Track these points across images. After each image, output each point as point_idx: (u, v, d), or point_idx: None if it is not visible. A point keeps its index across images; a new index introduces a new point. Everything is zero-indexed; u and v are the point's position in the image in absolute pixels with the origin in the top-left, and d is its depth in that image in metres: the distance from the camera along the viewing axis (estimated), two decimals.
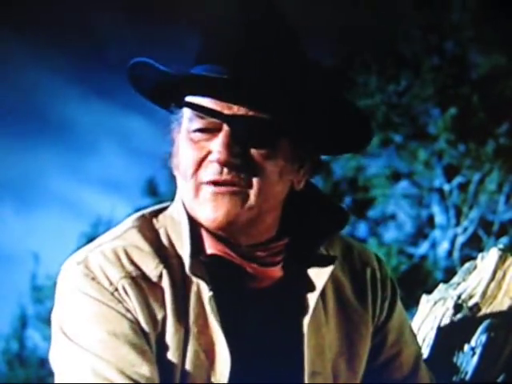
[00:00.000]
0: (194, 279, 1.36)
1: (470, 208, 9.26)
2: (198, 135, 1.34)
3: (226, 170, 1.31)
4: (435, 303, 1.91)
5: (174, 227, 1.40)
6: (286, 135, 1.35)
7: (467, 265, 2.01)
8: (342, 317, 1.46)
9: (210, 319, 1.34)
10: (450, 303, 1.89)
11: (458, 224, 9.36)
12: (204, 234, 1.38)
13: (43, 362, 10.45)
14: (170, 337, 1.33)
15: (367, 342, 1.49)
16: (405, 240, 9.90)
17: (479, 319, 1.85)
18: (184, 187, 1.36)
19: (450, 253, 9.35)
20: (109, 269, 1.34)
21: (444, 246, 9.39)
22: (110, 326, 1.31)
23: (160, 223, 1.42)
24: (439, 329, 1.86)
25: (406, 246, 9.74)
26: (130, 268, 1.35)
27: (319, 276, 1.42)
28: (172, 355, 1.33)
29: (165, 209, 1.45)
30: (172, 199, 1.45)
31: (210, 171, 1.32)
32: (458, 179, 9.33)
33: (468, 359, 1.81)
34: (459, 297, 1.91)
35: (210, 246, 1.38)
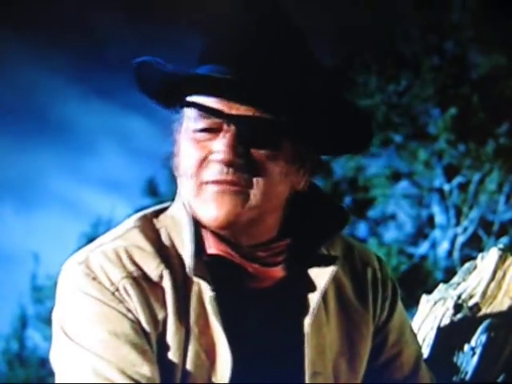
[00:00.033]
0: (195, 279, 1.35)
1: (470, 208, 9.26)
2: (201, 135, 1.34)
3: (229, 169, 1.31)
4: (435, 303, 1.91)
5: (174, 227, 1.40)
6: (289, 135, 1.35)
7: (467, 265, 2.01)
8: (342, 317, 1.46)
9: (210, 319, 1.34)
10: (450, 303, 1.89)
11: (458, 224, 9.36)
12: (205, 234, 1.38)
13: (43, 362, 10.45)
14: (171, 337, 1.33)
15: (368, 342, 1.49)
16: (405, 240, 9.90)
17: (479, 319, 1.85)
18: (185, 187, 1.36)
19: (450, 253, 9.35)
20: (110, 269, 1.34)
21: (444, 246, 9.39)
22: (111, 325, 1.31)
23: (161, 223, 1.42)
24: (439, 329, 1.86)
25: (406, 246, 9.74)
26: (132, 268, 1.34)
27: (321, 276, 1.41)
28: (173, 355, 1.33)
29: (166, 209, 1.45)
30: (172, 199, 1.45)
31: (213, 171, 1.32)
32: (457, 179, 9.33)
33: (468, 359, 1.81)
34: (459, 297, 1.91)
35: (212, 246, 1.38)
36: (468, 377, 1.79)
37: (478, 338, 1.81)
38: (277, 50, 1.33)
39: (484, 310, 1.88)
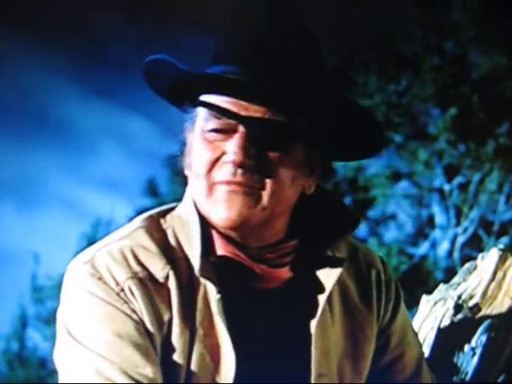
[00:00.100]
0: (201, 280, 1.35)
1: (470, 208, 9.25)
2: (213, 135, 1.34)
3: (240, 171, 1.31)
4: (435, 303, 1.91)
5: (182, 228, 1.40)
6: (301, 139, 1.35)
7: (467, 265, 2.01)
8: (347, 318, 1.46)
9: (216, 321, 1.34)
10: (451, 303, 1.89)
11: (458, 224, 9.36)
12: (214, 235, 1.38)
13: (43, 362, 10.46)
14: (176, 338, 1.33)
15: (372, 344, 1.49)
16: (405, 240, 9.90)
17: (479, 319, 1.85)
18: (196, 187, 1.36)
19: (450, 253, 9.35)
20: (115, 269, 1.34)
21: (444, 246, 9.39)
22: (115, 326, 1.31)
23: (168, 224, 1.41)
24: (439, 329, 1.86)
25: (406, 246, 9.73)
26: (137, 268, 1.34)
27: (328, 277, 1.42)
28: (177, 357, 1.33)
29: (172, 209, 1.44)
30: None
31: (225, 172, 1.32)
32: (458, 179, 9.33)
33: (468, 359, 1.80)
34: (459, 297, 1.91)
35: (220, 248, 1.38)
36: (468, 377, 1.79)
37: (479, 339, 1.81)
38: (290, 51, 1.33)
39: (484, 311, 1.88)
